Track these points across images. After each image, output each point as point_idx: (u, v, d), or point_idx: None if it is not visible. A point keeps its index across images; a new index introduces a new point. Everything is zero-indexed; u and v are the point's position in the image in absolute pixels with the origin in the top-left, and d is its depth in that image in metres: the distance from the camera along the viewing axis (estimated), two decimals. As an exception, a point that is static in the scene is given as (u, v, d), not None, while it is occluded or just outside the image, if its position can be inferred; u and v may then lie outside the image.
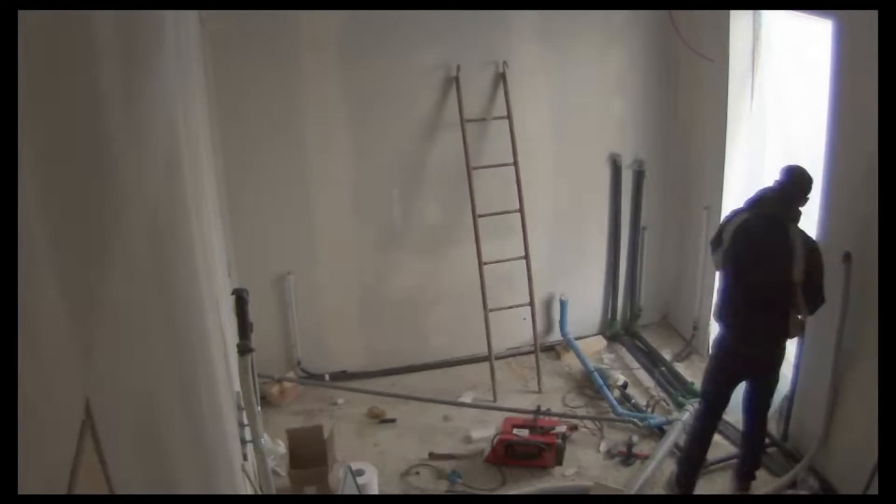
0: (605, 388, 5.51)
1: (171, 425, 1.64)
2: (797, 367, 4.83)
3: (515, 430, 4.92)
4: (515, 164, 5.67)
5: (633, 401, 5.40)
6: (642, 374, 5.77)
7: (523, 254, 5.88)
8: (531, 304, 5.88)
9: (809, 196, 4.04)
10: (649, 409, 5.28)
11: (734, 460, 4.53)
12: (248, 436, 3.48)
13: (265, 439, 3.96)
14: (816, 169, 4.58)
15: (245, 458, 3.46)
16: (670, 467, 4.59)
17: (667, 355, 5.92)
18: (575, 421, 5.20)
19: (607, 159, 6.10)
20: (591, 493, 4.23)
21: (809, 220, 4.65)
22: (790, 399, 4.87)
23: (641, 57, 5.91)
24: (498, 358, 5.84)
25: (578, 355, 5.96)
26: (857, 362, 4.29)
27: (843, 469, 4.35)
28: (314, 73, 5.40)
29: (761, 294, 4.00)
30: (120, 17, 1.62)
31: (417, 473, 4.84)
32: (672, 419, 5.03)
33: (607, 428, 5.18)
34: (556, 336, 6.32)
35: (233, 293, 3.60)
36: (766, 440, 4.56)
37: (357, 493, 4.19)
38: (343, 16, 5.28)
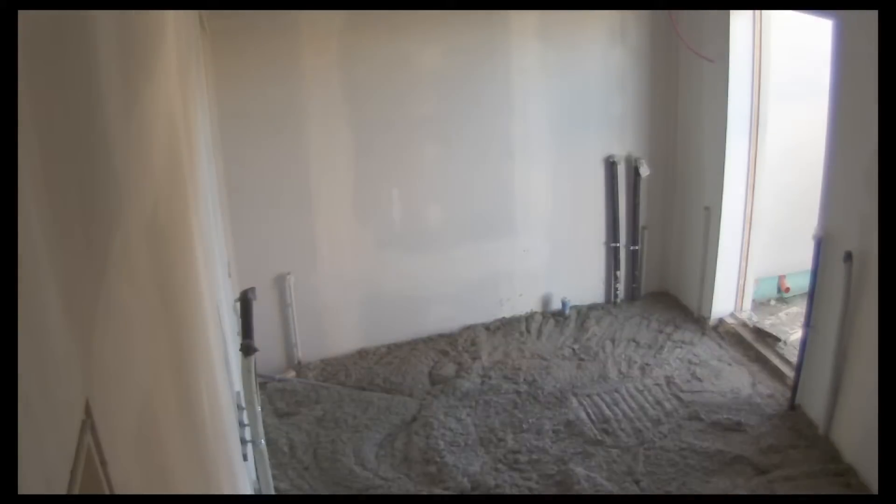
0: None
1: (171, 425, 1.64)
2: (799, 365, 4.84)
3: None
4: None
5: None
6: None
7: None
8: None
9: None
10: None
11: None
12: (248, 436, 3.47)
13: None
14: (817, 168, 4.59)
15: (245, 458, 3.46)
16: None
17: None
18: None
19: (607, 159, 6.11)
20: None
21: (811, 220, 4.66)
22: (793, 396, 4.89)
23: (641, 57, 5.91)
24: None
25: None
26: (857, 360, 4.29)
27: (846, 461, 4.37)
28: (314, 73, 5.40)
29: None
30: (120, 17, 1.62)
31: None
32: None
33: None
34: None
35: (240, 296, 3.60)
36: None
37: None
38: (343, 16, 5.28)
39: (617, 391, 5.28)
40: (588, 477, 4.48)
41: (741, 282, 5.92)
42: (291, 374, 5.82)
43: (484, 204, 5.95)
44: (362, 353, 5.95)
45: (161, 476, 1.45)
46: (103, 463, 1.00)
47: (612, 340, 5.89)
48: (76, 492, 0.87)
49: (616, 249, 6.34)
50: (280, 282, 5.74)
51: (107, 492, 1.01)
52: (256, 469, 3.65)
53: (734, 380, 5.32)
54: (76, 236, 1.09)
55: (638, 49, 5.89)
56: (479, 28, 5.55)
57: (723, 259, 5.80)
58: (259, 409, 3.54)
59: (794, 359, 5.03)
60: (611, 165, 6.11)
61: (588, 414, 5.06)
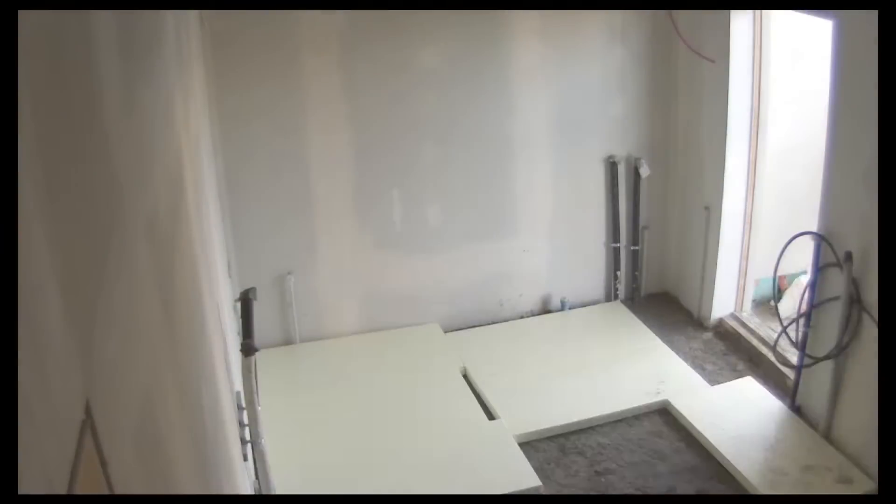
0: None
1: (171, 425, 1.64)
2: (799, 366, 4.84)
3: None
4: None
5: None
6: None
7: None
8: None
9: None
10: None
11: None
12: (248, 436, 3.47)
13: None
14: (817, 168, 4.60)
15: (245, 458, 3.46)
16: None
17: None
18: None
19: (607, 159, 6.11)
20: None
21: (811, 220, 4.66)
22: (793, 395, 4.89)
23: (641, 57, 5.91)
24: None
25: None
26: (857, 360, 4.30)
27: (847, 456, 4.37)
28: (314, 73, 5.40)
29: None
30: (120, 17, 1.62)
31: None
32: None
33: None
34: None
35: (240, 296, 3.61)
36: None
37: None
38: (343, 16, 5.28)
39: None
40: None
41: (741, 282, 5.92)
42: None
43: (484, 204, 5.95)
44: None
45: (161, 476, 1.45)
46: (103, 463, 1.00)
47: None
48: (76, 492, 0.87)
49: (616, 250, 6.34)
50: (280, 282, 5.74)
51: (107, 492, 1.01)
52: (256, 469, 3.65)
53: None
54: (76, 236, 1.09)
55: (638, 49, 5.89)
56: (479, 28, 5.55)
57: (723, 259, 5.81)
58: (259, 408, 3.54)
59: (794, 359, 5.03)
60: (611, 165, 6.11)
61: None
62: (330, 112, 5.50)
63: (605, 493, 4.42)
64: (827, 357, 4.43)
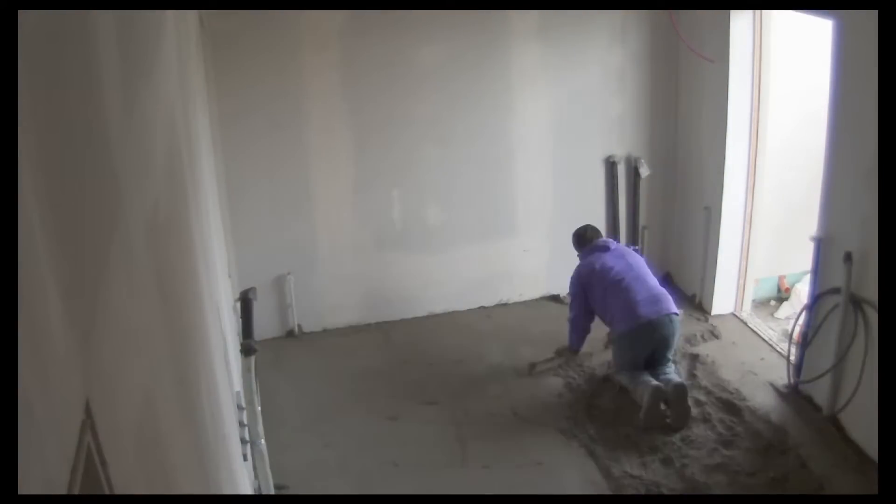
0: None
1: (171, 425, 1.64)
2: (799, 367, 4.84)
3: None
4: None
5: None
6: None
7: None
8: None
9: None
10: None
11: None
12: (247, 436, 3.47)
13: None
14: (817, 168, 4.60)
15: (245, 458, 3.46)
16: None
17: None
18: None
19: (607, 159, 6.10)
20: None
21: (811, 220, 4.67)
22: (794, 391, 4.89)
23: (641, 57, 5.91)
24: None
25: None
26: (857, 362, 4.29)
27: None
28: (314, 73, 5.40)
29: None
30: (120, 17, 1.62)
31: None
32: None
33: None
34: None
35: (240, 296, 3.61)
36: None
37: None
38: (344, 15, 5.28)
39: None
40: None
41: (741, 282, 5.92)
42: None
43: (484, 204, 5.95)
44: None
45: (162, 476, 1.45)
46: (103, 463, 1.00)
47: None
48: (76, 492, 0.87)
49: (616, 249, 6.33)
50: (280, 282, 5.74)
51: (107, 492, 1.01)
52: (256, 469, 3.65)
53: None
54: (76, 236, 1.09)
55: (638, 49, 5.89)
56: (479, 28, 5.55)
57: (723, 259, 5.80)
58: (259, 408, 3.54)
59: (793, 359, 5.03)
60: (611, 165, 6.11)
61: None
62: (330, 112, 5.50)
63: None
64: (829, 371, 4.43)
